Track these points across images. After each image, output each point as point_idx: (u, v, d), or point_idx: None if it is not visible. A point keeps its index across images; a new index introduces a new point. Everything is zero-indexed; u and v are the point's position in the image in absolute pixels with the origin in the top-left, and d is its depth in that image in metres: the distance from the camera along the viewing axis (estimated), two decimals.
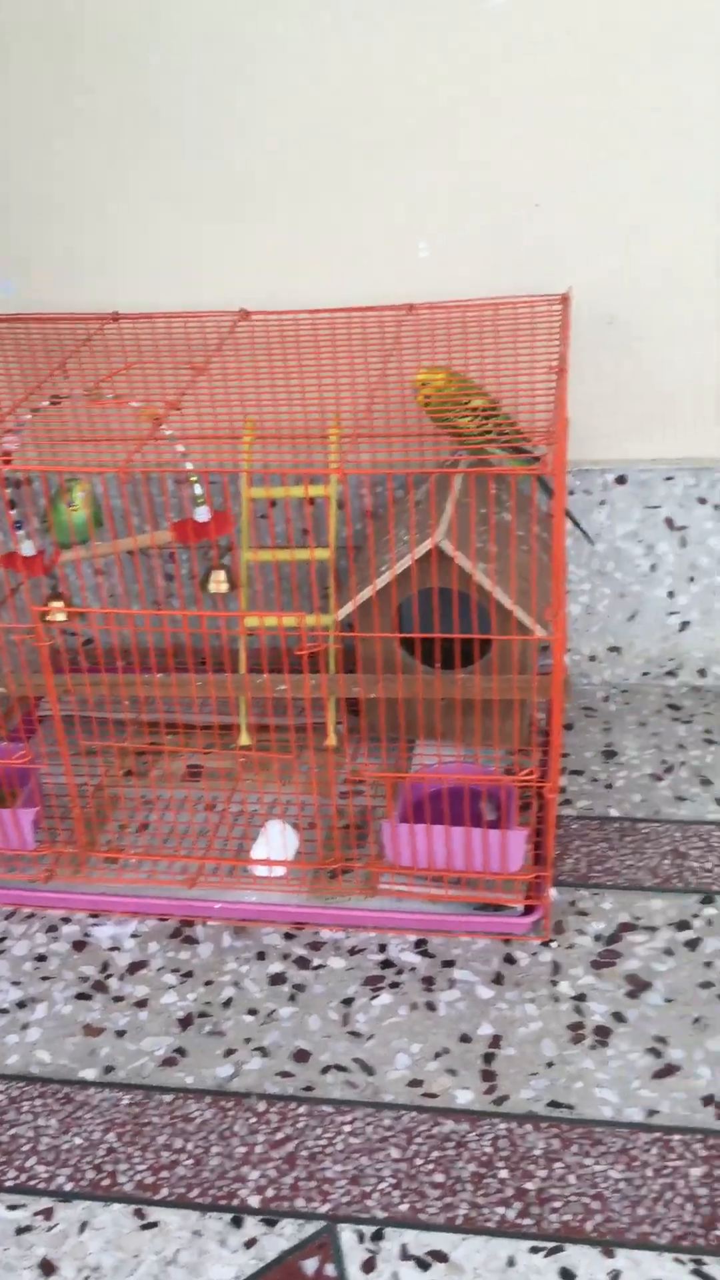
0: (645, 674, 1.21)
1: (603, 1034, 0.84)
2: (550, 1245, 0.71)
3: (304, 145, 1.08)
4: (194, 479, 1.05)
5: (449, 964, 0.90)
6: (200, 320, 1.12)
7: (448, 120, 1.06)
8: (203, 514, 1.06)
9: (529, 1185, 0.74)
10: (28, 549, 1.06)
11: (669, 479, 1.14)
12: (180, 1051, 0.85)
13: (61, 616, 1.06)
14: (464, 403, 1.01)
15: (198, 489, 1.05)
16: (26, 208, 1.15)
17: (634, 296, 1.10)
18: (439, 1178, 0.75)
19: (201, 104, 1.08)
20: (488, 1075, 0.81)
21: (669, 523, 1.16)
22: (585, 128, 1.04)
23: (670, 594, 1.18)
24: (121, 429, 1.12)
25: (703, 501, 1.14)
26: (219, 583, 1.10)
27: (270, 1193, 0.75)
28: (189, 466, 1.03)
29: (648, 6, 1.00)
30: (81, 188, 1.13)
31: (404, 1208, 0.74)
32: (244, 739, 1.10)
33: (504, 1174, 0.75)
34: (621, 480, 1.15)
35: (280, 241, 1.13)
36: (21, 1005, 0.90)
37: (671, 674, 1.20)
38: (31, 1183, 0.77)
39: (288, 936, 0.94)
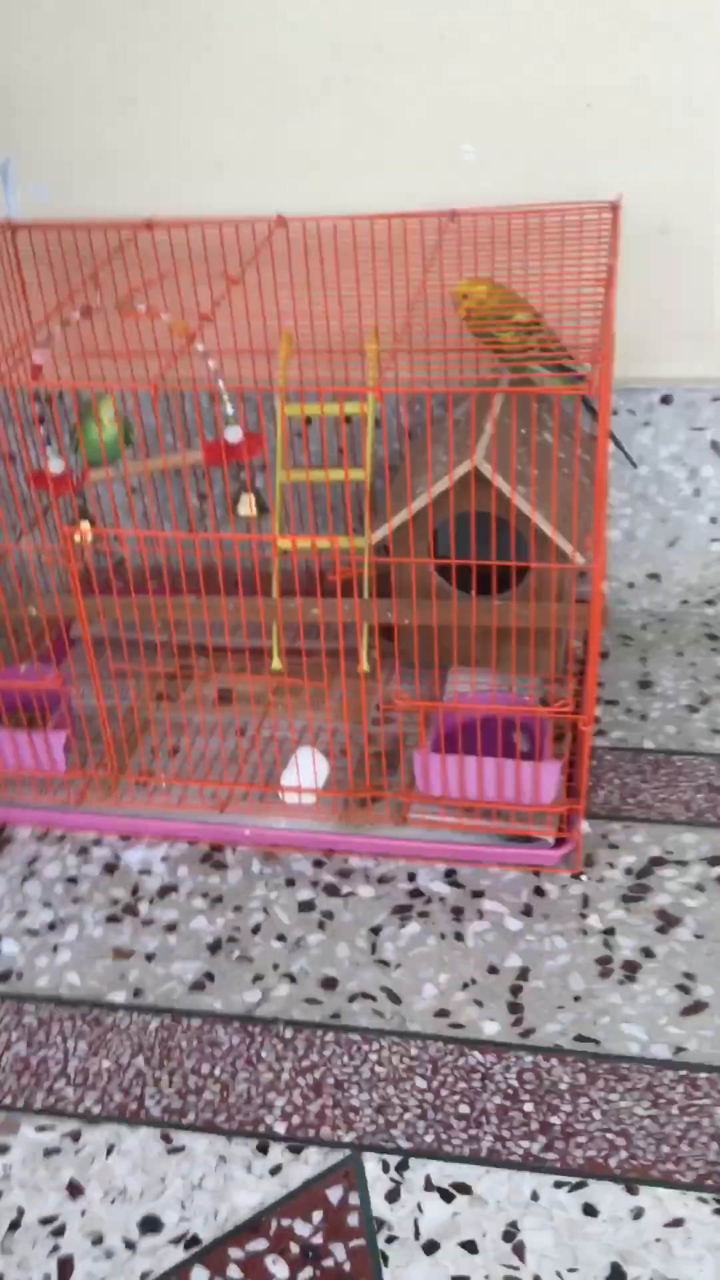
0: (684, 602, 1.18)
1: (631, 969, 0.83)
2: (574, 1181, 0.71)
3: (344, 41, 1.03)
4: (225, 397, 1.02)
5: (478, 895, 0.89)
6: (235, 226, 1.08)
7: (496, 16, 1.00)
8: (234, 434, 1.04)
9: (554, 1120, 0.74)
10: (56, 467, 1.03)
11: (717, 399, 1.10)
12: (209, 976, 0.86)
13: (88, 537, 1.04)
14: (507, 316, 0.97)
15: (229, 408, 1.02)
16: (58, 109, 1.10)
17: (687, 205, 1.05)
18: (464, 1109, 0.75)
19: (230, 5, 1.03)
20: (514, 1008, 0.81)
21: (715, 446, 1.11)
22: (638, 27, 0.98)
23: (713, 520, 1.14)
24: (154, 343, 1.09)
25: None
26: (248, 506, 1.07)
27: (296, 1120, 0.76)
28: (221, 383, 1.00)
29: None
30: (115, 87, 1.09)
31: (429, 1139, 0.74)
32: (276, 664, 1.09)
33: (529, 1107, 0.75)
34: (667, 400, 1.11)
35: (319, 143, 1.08)
36: (52, 927, 0.91)
37: (711, 603, 1.17)
38: (60, 1105, 0.78)
39: (317, 864, 0.94)
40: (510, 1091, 0.76)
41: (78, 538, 1.01)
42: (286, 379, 1.06)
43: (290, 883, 0.92)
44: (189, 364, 0.93)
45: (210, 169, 1.11)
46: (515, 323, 0.97)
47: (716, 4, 0.96)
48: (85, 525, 1.04)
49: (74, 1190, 0.73)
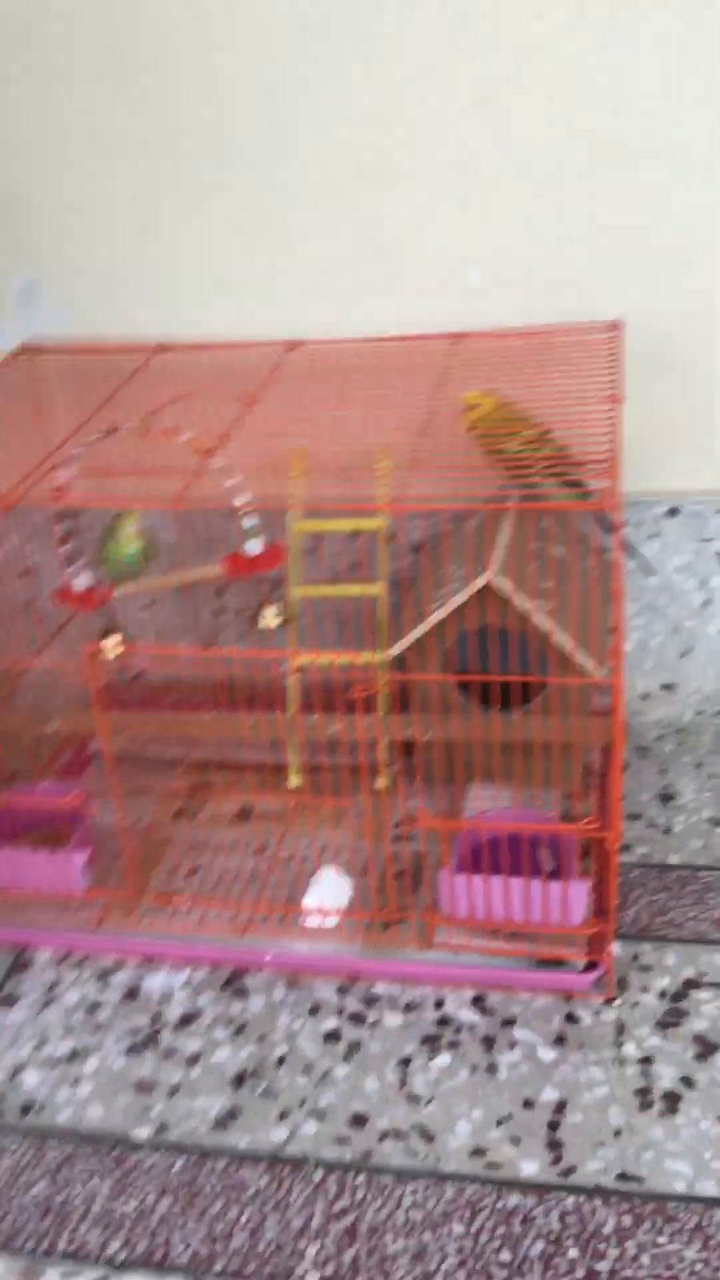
0: (700, 712, 1.17)
1: (672, 1100, 0.81)
2: None
3: (352, 171, 1.06)
4: (243, 512, 1.02)
5: (509, 1022, 0.88)
6: (247, 351, 1.10)
7: (500, 147, 1.03)
8: (254, 547, 1.04)
9: (600, 1266, 0.72)
10: (83, 582, 1.04)
11: None
12: (233, 1114, 0.83)
13: (118, 650, 1.04)
14: (514, 433, 0.99)
15: (248, 522, 1.03)
16: (81, 233, 1.13)
17: (687, 324, 1.07)
18: (505, 1256, 0.73)
19: (250, 130, 1.06)
20: (553, 1144, 0.79)
21: None
22: (639, 152, 1.01)
23: None
24: (170, 462, 1.10)
25: None
26: (270, 617, 1.07)
27: (329, 1269, 0.73)
28: (237, 500, 1.01)
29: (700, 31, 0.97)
30: (133, 214, 1.12)
31: None
32: (294, 780, 1.08)
33: (573, 1253, 0.73)
34: (673, 512, 1.12)
35: (328, 268, 1.10)
36: (73, 1057, 0.89)
37: None
38: (84, 1250, 0.76)
39: (341, 990, 0.92)
40: (553, 1236, 0.74)
41: (109, 652, 1.00)
42: (299, 496, 1.07)
43: (314, 1010, 0.90)
44: (201, 482, 0.94)
45: (222, 293, 1.13)
46: (522, 439, 0.99)
47: (712, 132, 0.99)
48: (113, 639, 1.04)
49: None
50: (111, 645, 0.98)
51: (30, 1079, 0.87)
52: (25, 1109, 0.85)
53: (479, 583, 0.95)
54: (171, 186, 1.10)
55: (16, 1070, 0.88)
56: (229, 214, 1.10)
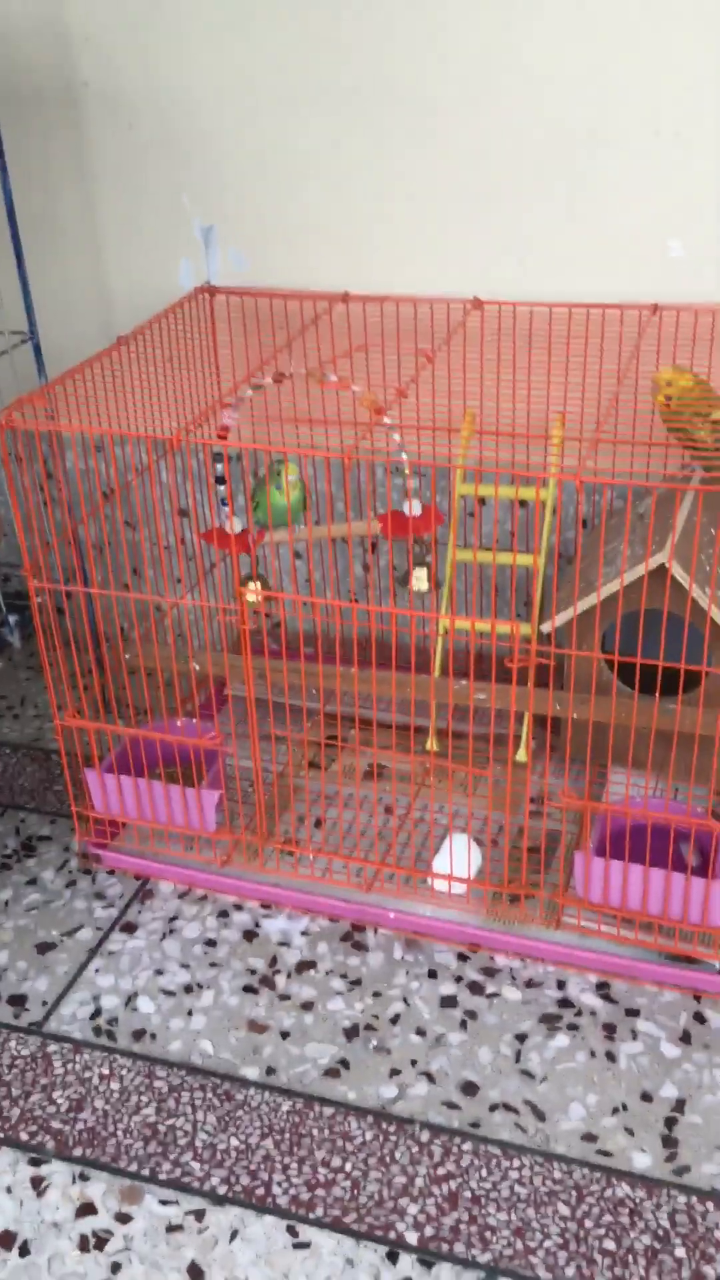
0: None
1: None
2: None
3: (556, 131, 1.03)
4: (406, 470, 1.01)
5: (632, 1013, 0.85)
6: (431, 305, 1.08)
7: (710, 115, 0.99)
8: (412, 508, 1.03)
9: (708, 1269, 0.69)
10: (235, 526, 1.04)
11: None
12: (344, 1063, 0.83)
13: (256, 598, 1.04)
14: (705, 413, 0.95)
15: (410, 481, 1.01)
16: (266, 181, 1.13)
17: None
18: (610, 1245, 0.71)
19: (453, 85, 1.04)
20: (669, 1141, 0.76)
21: None
22: None
23: None
24: (339, 413, 1.09)
25: None
26: (420, 580, 1.06)
27: (429, 1231, 0.72)
28: (404, 458, 1.00)
29: None
30: (323, 165, 1.11)
31: (570, 1271, 0.69)
32: (432, 744, 1.06)
33: (680, 1252, 0.70)
34: None
35: (521, 229, 1.08)
36: (189, 990, 0.89)
37: None
38: (186, 1180, 0.76)
39: (461, 958, 0.90)
40: (661, 1233, 0.71)
41: (251, 597, 1.01)
42: (466, 458, 1.05)
43: (433, 974, 0.89)
44: (372, 437, 0.93)
45: (411, 247, 1.12)
46: (713, 420, 0.95)
47: None
48: (256, 585, 1.04)
49: (195, 1273, 0.71)
50: (253, 591, 0.98)
51: (145, 1006, 0.88)
52: (138, 1034, 0.86)
53: (654, 562, 0.91)
54: (365, 140, 1.08)
55: (132, 996, 0.89)
56: (427, 169, 1.08)
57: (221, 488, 1.10)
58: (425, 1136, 0.77)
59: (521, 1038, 0.84)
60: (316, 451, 0.87)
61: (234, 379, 1.12)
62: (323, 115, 1.09)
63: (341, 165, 1.10)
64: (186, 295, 1.12)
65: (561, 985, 0.87)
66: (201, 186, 1.15)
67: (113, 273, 1.21)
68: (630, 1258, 0.70)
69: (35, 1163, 0.77)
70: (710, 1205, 0.72)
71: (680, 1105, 0.78)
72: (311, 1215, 0.73)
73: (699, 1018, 0.84)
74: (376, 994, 0.88)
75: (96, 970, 0.91)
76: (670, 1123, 0.77)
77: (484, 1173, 0.75)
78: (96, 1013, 0.87)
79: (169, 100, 1.12)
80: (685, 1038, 0.83)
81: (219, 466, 1.10)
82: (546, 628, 0.98)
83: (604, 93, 1.01)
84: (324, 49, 1.06)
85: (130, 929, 0.95)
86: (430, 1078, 0.81)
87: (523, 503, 1.15)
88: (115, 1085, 0.82)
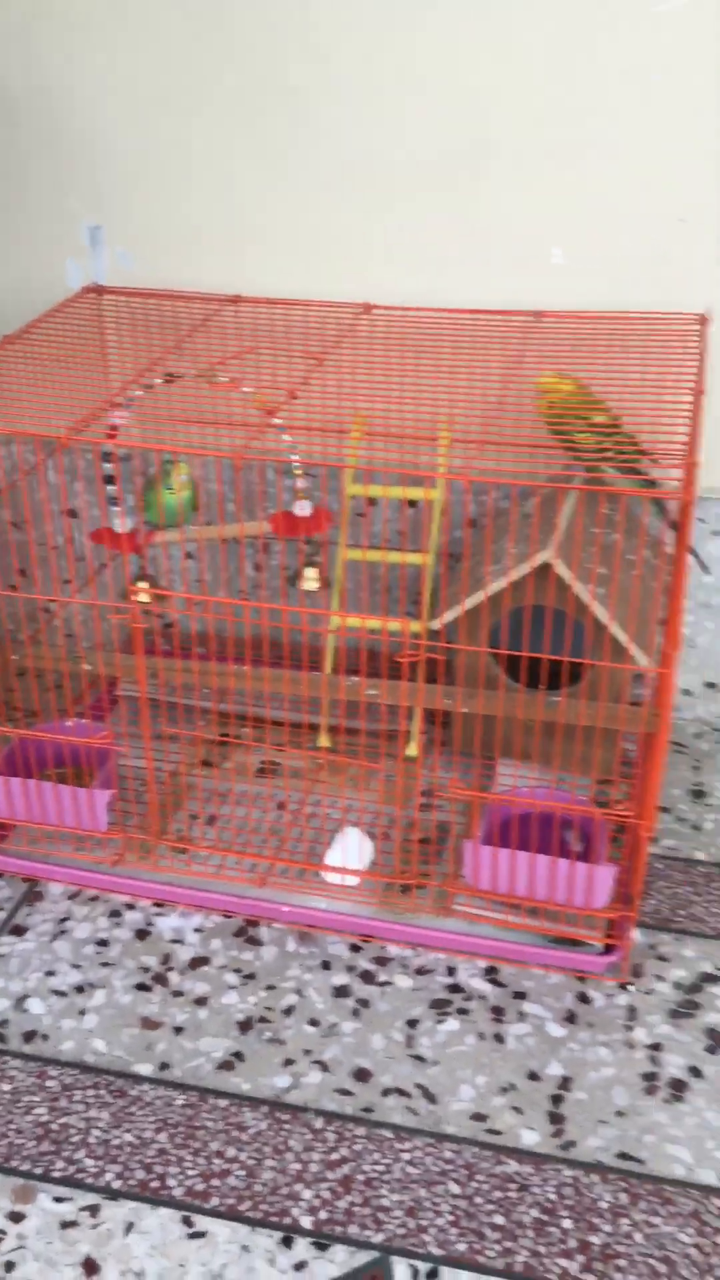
0: None
1: (678, 1088, 0.80)
2: None
3: (442, 140, 1.06)
4: (297, 471, 1.02)
5: (520, 995, 0.87)
6: (322, 310, 1.10)
7: (596, 127, 1.03)
8: (303, 508, 1.04)
9: (593, 1239, 0.71)
10: (122, 525, 1.04)
11: None
12: (238, 1056, 0.83)
13: (146, 598, 1.04)
14: (584, 417, 0.98)
15: (300, 482, 1.03)
16: (155, 181, 1.13)
17: None
18: (499, 1220, 0.72)
19: (342, 91, 1.06)
20: (555, 1118, 0.78)
21: None
22: None
23: None
24: (229, 414, 1.10)
25: None
26: (310, 579, 1.07)
27: (324, 1215, 0.73)
28: (295, 459, 1.01)
29: None
30: (214, 165, 1.12)
31: (461, 1247, 0.71)
32: (323, 740, 1.08)
33: (567, 1223, 0.72)
34: None
35: (410, 236, 1.10)
36: (80, 990, 0.89)
37: None
38: (79, 1176, 0.76)
39: (354, 948, 0.92)
40: (548, 1206, 0.73)
41: (141, 597, 1.01)
42: (356, 459, 1.07)
43: (326, 965, 0.90)
44: (263, 438, 0.94)
45: (299, 252, 1.13)
46: (592, 424, 0.98)
47: None
48: (144, 585, 1.04)
49: (90, 1268, 0.70)
50: (142, 591, 0.98)
51: (36, 1007, 0.87)
52: (29, 1036, 0.85)
53: (539, 560, 0.94)
54: (254, 141, 1.10)
55: (22, 998, 0.88)
56: (313, 173, 1.10)
57: (111, 487, 1.10)
58: (319, 1123, 0.78)
59: (413, 1023, 0.85)
60: (208, 451, 0.87)
61: (123, 379, 1.12)
62: (210, 115, 1.10)
63: (229, 167, 1.11)
64: (74, 295, 1.11)
65: (451, 971, 0.89)
66: (87, 186, 1.15)
67: None
68: (519, 1231, 0.72)
69: None
70: (595, 1178, 0.75)
71: (566, 1083, 0.81)
72: (207, 1205, 0.74)
73: (583, 998, 0.87)
74: (270, 987, 0.88)
75: None
76: (557, 1100, 0.80)
77: (377, 1156, 0.76)
78: None
79: (54, 98, 1.12)
80: (570, 1018, 0.85)
81: (108, 465, 1.10)
82: (436, 624, 1.00)
83: (490, 103, 1.04)
84: (210, 48, 1.07)
85: (19, 931, 0.94)
86: (324, 1066, 0.82)
87: (412, 503, 1.17)
88: (6, 1086, 0.81)
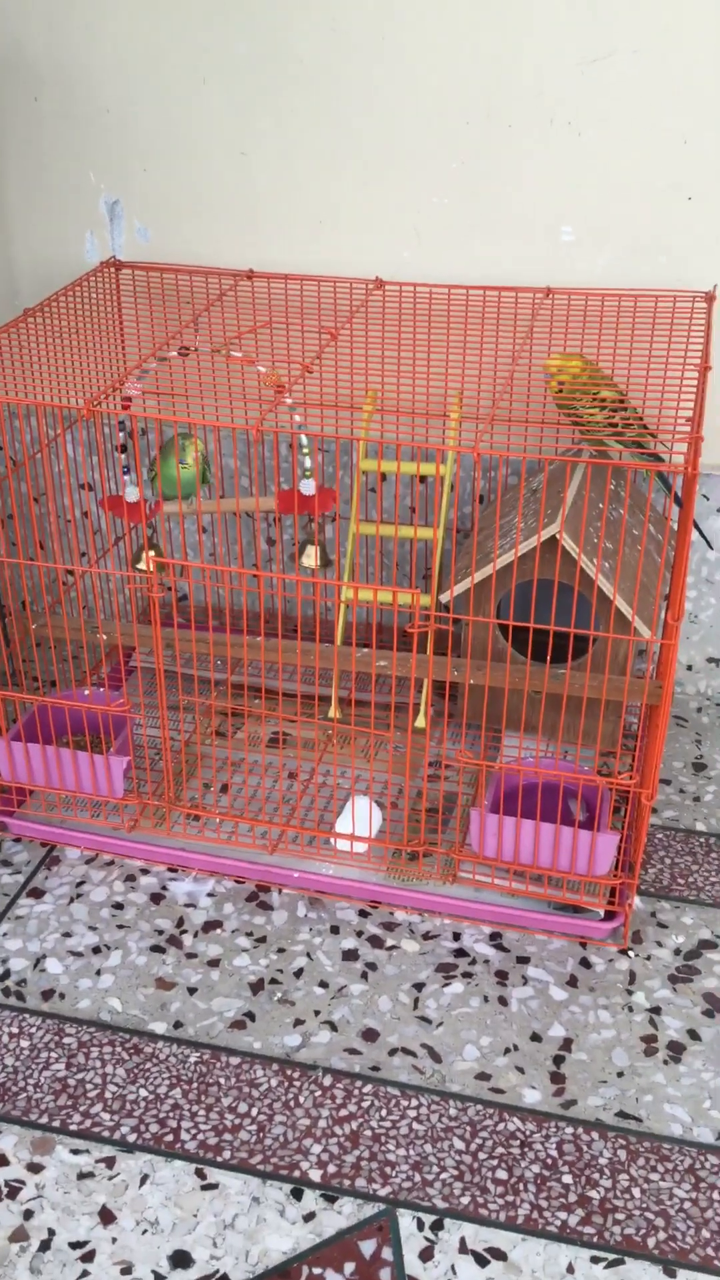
0: None
1: (676, 1050, 0.83)
2: (611, 1257, 0.70)
3: (454, 117, 1.07)
4: (305, 450, 1.04)
5: (523, 960, 0.90)
6: (334, 285, 1.11)
7: (606, 103, 1.03)
8: (308, 487, 1.06)
9: (592, 1193, 0.74)
10: (132, 495, 1.06)
11: None
12: (250, 1015, 0.86)
13: (151, 567, 1.06)
14: (593, 393, 0.99)
15: (307, 461, 1.04)
16: (170, 156, 1.14)
17: None
18: (502, 1175, 0.75)
19: (355, 66, 1.07)
20: (556, 1077, 0.81)
21: None
22: None
23: None
24: (244, 389, 1.11)
25: None
26: (312, 558, 1.09)
27: (332, 1169, 0.76)
28: (304, 438, 1.03)
29: None
30: (227, 140, 1.13)
31: (465, 1200, 0.74)
32: (334, 711, 1.10)
33: (568, 1179, 0.75)
34: None
35: (422, 212, 1.11)
36: (97, 951, 0.91)
37: None
38: (96, 1129, 0.78)
39: (362, 914, 0.94)
40: (549, 1161, 0.76)
41: (143, 565, 1.02)
42: (368, 434, 1.08)
43: (335, 930, 0.93)
44: (276, 414, 0.96)
45: (314, 226, 1.14)
46: (599, 399, 1.00)
47: None
48: (151, 554, 1.06)
49: (106, 1217, 0.73)
50: (145, 560, 1.00)
51: (53, 967, 0.90)
52: (47, 994, 0.88)
53: (547, 533, 0.96)
54: (269, 119, 1.11)
55: (40, 958, 0.91)
56: (327, 147, 1.10)
57: (123, 455, 1.12)
58: (328, 1081, 0.81)
59: (419, 986, 0.88)
60: (223, 424, 0.89)
61: (140, 352, 1.13)
62: (226, 91, 1.11)
63: (244, 142, 1.12)
64: (92, 269, 1.13)
65: (457, 937, 0.92)
66: (106, 161, 1.16)
67: (18, 246, 1.21)
68: (521, 1185, 0.74)
69: None
70: (595, 1135, 0.77)
71: (568, 1044, 0.83)
72: (219, 1159, 0.76)
73: (585, 963, 0.89)
74: (281, 950, 0.91)
75: (4, 934, 0.92)
76: (558, 1060, 0.82)
77: (384, 1113, 0.79)
78: (5, 975, 0.89)
79: (74, 74, 1.13)
80: (572, 981, 0.88)
81: (121, 435, 1.11)
82: (445, 597, 1.02)
83: (502, 78, 1.04)
84: (228, 23, 1.08)
85: (37, 894, 0.96)
86: (333, 1026, 0.85)
87: (422, 478, 1.19)
88: (25, 1043, 0.84)
